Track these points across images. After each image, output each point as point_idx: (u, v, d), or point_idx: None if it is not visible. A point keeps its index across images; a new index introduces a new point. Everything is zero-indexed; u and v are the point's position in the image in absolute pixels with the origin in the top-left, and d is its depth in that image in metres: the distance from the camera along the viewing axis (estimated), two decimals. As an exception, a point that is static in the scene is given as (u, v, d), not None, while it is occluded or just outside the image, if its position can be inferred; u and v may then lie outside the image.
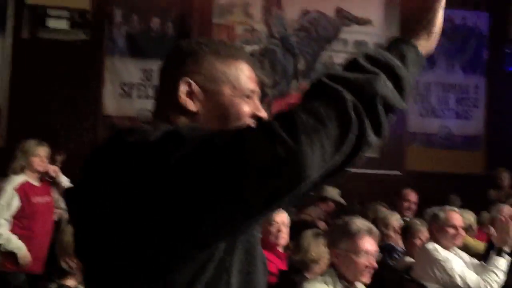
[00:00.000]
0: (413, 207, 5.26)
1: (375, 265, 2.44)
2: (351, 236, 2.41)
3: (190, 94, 1.10)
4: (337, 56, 7.24)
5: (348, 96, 0.87)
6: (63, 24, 6.67)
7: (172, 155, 0.89)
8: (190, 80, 1.10)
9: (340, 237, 2.44)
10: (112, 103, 6.85)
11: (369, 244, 2.41)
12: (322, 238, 2.90)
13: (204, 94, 1.10)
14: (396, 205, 5.22)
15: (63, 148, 5.64)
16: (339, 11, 7.20)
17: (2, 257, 3.89)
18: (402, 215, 4.80)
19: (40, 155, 4.00)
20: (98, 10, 6.72)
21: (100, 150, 1.04)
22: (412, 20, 1.01)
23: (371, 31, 7.27)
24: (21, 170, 3.98)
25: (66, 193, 1.09)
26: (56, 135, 6.61)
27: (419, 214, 4.89)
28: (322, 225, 4.70)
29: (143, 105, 6.73)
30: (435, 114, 7.39)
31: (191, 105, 1.10)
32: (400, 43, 0.99)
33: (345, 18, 7.22)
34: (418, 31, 1.01)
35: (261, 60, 7.09)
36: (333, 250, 2.47)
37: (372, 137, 0.90)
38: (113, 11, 6.86)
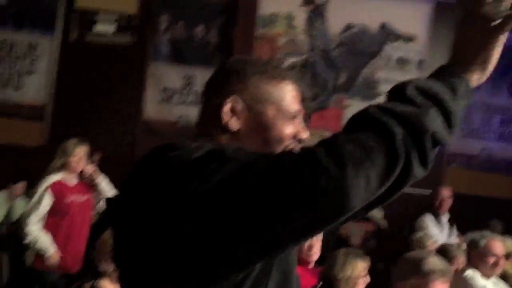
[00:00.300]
0: (449, 202, 5.36)
1: None
2: (422, 275, 2.29)
3: (234, 112, 1.10)
4: (379, 72, 7.17)
5: (398, 130, 0.85)
6: (110, 28, 6.83)
7: (214, 176, 0.88)
8: (235, 99, 1.10)
9: (410, 274, 2.33)
10: (153, 107, 6.94)
11: (440, 287, 2.30)
12: (357, 259, 2.85)
13: (248, 113, 1.10)
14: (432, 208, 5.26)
15: (102, 149, 5.73)
16: (384, 26, 7.14)
17: (36, 256, 3.95)
18: (438, 213, 5.13)
19: (78, 155, 4.05)
20: (144, 15, 6.84)
21: (144, 161, 1.05)
22: (468, 52, 0.96)
23: (415, 48, 7.17)
24: (59, 169, 4.05)
25: (108, 201, 1.10)
26: (96, 136, 6.75)
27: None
28: (355, 241, 4.66)
29: (183, 111, 6.80)
30: (477, 136, 7.24)
31: (234, 124, 1.10)
32: (451, 74, 0.95)
33: (389, 33, 7.16)
34: (473, 66, 0.96)
35: (302, 72, 7.08)
36: (400, 284, 2.37)
37: (418, 171, 0.88)
38: (159, 16, 6.97)
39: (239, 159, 0.89)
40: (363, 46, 7.17)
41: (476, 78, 0.98)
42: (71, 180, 4.07)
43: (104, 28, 6.80)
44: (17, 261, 4.57)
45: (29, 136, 6.59)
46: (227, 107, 1.10)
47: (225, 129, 1.10)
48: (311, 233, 0.88)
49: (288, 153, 0.90)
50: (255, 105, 1.10)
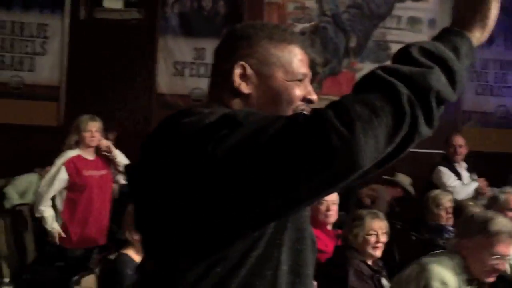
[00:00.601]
0: (462, 150, 5.30)
1: (504, 268, 2.37)
2: (489, 235, 2.30)
3: (244, 77, 1.14)
4: (390, 33, 7.10)
5: (403, 90, 0.88)
6: (118, 4, 6.83)
7: (228, 140, 0.92)
8: (245, 64, 1.13)
9: (477, 232, 2.34)
10: (166, 81, 6.98)
11: (506, 248, 2.31)
12: (369, 216, 2.91)
13: (257, 77, 1.14)
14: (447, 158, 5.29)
15: (118, 125, 5.80)
16: (393, -14, 7.05)
17: (59, 234, 4.01)
18: (454, 161, 5.12)
19: (91, 130, 4.08)
20: (151, -11, 6.83)
21: (159, 128, 1.08)
22: (466, 11, 0.99)
23: (426, 7, 7.08)
24: (75, 145, 4.09)
25: (126, 169, 1.15)
26: (111, 113, 6.81)
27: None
28: (381, 205, 4.71)
29: (195, 84, 6.82)
30: (492, 93, 7.17)
31: (245, 88, 1.14)
32: (453, 34, 0.98)
33: (399, -6, 7.07)
34: (472, 23, 0.99)
35: (312, 38, 7.04)
36: (464, 241, 2.37)
37: (424, 129, 0.91)
38: (166, -10, 6.95)
39: (252, 122, 0.93)
40: (373, 7, 7.09)
41: (478, 36, 1.00)
42: (87, 155, 4.11)
43: (112, 3, 6.80)
44: (41, 239, 4.70)
45: (45, 117, 6.68)
46: (237, 72, 1.14)
47: (236, 93, 1.14)
48: (324, 191, 0.91)
49: (298, 115, 0.93)
50: (264, 69, 1.14)
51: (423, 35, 7.08)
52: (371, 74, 0.92)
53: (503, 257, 2.30)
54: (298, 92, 1.15)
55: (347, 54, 7.10)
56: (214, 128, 0.94)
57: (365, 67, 7.08)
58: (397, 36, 7.10)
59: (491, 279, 2.34)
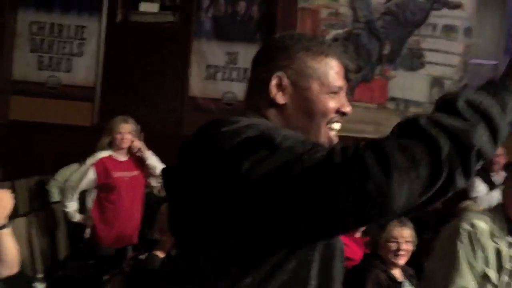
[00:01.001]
0: (500, 160, 5.20)
1: None
2: None
3: (280, 87, 1.16)
4: (424, 41, 7.04)
5: (445, 146, 0.87)
6: (154, 7, 6.94)
7: (263, 165, 0.93)
8: (282, 74, 1.16)
9: None
10: (198, 85, 7.04)
11: None
12: (395, 224, 2.88)
13: (293, 88, 1.16)
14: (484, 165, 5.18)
15: (149, 128, 5.87)
16: (429, -6, 6.99)
17: (92, 232, 4.09)
18: (490, 171, 5.09)
19: (123, 131, 4.13)
20: (187, -7, 6.92)
21: (198, 135, 1.10)
22: None
23: (461, 15, 6.99)
24: (108, 146, 4.15)
25: (163, 172, 1.18)
26: (144, 115, 6.91)
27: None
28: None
29: (227, 88, 6.88)
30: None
31: (281, 98, 1.16)
32: (503, 88, 0.95)
33: (435, 1, 6.99)
34: None
35: (345, 45, 7.02)
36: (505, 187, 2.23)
37: (460, 183, 0.90)
38: (201, -6, 7.03)
39: (288, 148, 0.94)
40: (408, 14, 7.04)
41: None
42: (120, 156, 4.16)
43: (148, 7, 6.91)
44: (74, 236, 4.79)
45: (81, 116, 6.82)
46: (274, 82, 1.16)
47: (272, 103, 1.16)
48: (353, 229, 0.94)
49: (336, 152, 0.92)
50: (300, 81, 1.16)
51: (458, 43, 7.00)
52: (415, 121, 0.90)
53: None
54: (332, 104, 1.17)
55: (380, 61, 7.06)
56: (251, 147, 0.95)
57: (398, 75, 7.04)
58: (431, 44, 7.04)
59: None
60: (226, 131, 1.01)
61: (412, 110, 6.96)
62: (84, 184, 4.05)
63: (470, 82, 6.92)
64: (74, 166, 5.67)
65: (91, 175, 4.04)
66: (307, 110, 1.15)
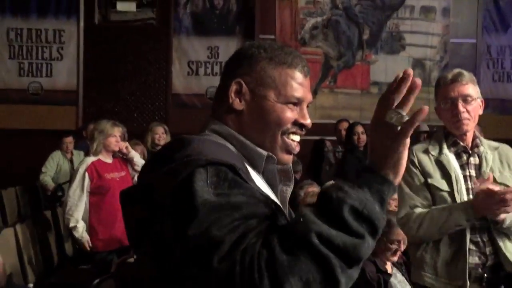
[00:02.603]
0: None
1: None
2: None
3: (239, 94, 1.17)
4: (403, 23, 7.07)
5: (336, 263, 0.91)
6: (131, 7, 6.91)
7: (179, 231, 0.95)
8: (241, 81, 1.17)
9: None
10: (181, 81, 7.05)
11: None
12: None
13: (251, 95, 1.17)
14: None
15: (134, 126, 5.88)
16: (405, -24, 7.01)
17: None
18: None
19: (115, 135, 4.15)
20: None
21: (160, 153, 1.12)
22: (382, 157, 1.00)
23: (439, -5, 7.04)
24: (99, 151, 4.16)
25: (121, 194, 1.17)
26: (129, 114, 6.91)
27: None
28: None
29: (210, 82, 6.88)
30: (509, 79, 7.10)
31: (238, 105, 1.17)
32: (379, 182, 0.98)
33: (412, -17, 7.03)
34: (387, 169, 0.99)
35: (325, 32, 7.04)
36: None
37: (345, 280, 0.94)
38: (177, -10, 7.01)
39: (204, 219, 0.94)
40: (385, -2, 7.06)
41: (392, 178, 1.00)
42: (106, 159, 4.18)
43: (125, 6, 6.88)
44: (63, 242, 4.80)
45: (65, 121, 6.80)
46: (233, 88, 1.17)
47: (230, 109, 1.17)
48: None
49: (241, 252, 0.92)
50: (258, 89, 1.17)
51: (437, 24, 7.03)
52: (307, 240, 0.91)
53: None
54: (289, 115, 1.16)
55: (360, 46, 7.08)
56: (176, 202, 0.97)
57: (379, 59, 7.07)
58: (410, 26, 7.07)
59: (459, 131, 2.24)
60: (170, 170, 1.01)
61: (395, 93, 6.99)
62: (85, 192, 4.06)
63: (451, 62, 6.97)
64: (55, 155, 5.81)
65: (87, 181, 4.06)
66: (262, 118, 1.16)
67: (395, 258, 2.89)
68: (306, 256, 0.92)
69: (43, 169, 5.75)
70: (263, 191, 1.04)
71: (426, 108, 0.92)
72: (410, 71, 0.95)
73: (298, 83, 1.18)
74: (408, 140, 0.98)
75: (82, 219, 4.05)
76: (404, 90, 0.96)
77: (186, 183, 0.97)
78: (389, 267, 2.92)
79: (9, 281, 2.79)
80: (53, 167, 5.81)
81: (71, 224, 4.01)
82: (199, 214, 0.94)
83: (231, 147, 1.14)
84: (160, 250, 1.01)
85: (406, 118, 0.95)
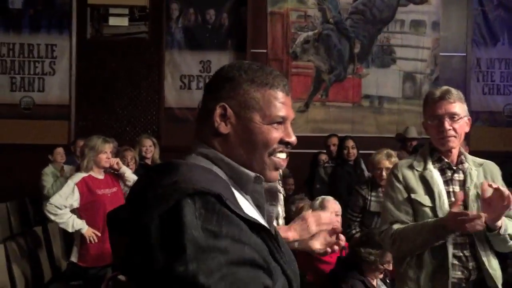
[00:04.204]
0: None
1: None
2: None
3: (224, 117, 1.18)
4: (394, 37, 7.12)
5: None
6: (124, 21, 6.93)
7: (167, 265, 0.97)
8: (225, 105, 1.18)
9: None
10: (173, 95, 7.06)
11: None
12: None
13: (236, 119, 1.18)
14: None
15: (127, 141, 5.87)
16: (394, -10, 7.08)
17: (78, 254, 4.06)
18: None
19: (106, 152, 4.15)
20: (155, 5, 6.92)
21: (150, 175, 1.13)
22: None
23: (428, 9, 7.10)
24: (90, 167, 4.15)
25: (108, 217, 1.17)
26: (121, 128, 6.91)
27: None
28: None
29: (202, 96, 6.88)
30: (498, 92, 7.16)
31: (224, 128, 1.18)
32: None
33: (401, -3, 7.10)
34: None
35: (316, 46, 7.08)
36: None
37: None
38: (170, 5, 7.04)
39: (192, 264, 0.95)
40: (376, 12, 7.12)
41: None
42: (98, 175, 4.17)
43: (118, 21, 6.90)
44: (54, 257, 4.77)
45: (57, 135, 6.79)
46: (217, 112, 1.18)
47: (216, 132, 1.18)
48: None
49: None
50: (243, 111, 1.18)
51: (427, 38, 7.10)
52: None
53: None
54: (275, 135, 1.18)
55: (351, 60, 7.13)
56: (164, 233, 0.98)
57: (370, 72, 7.12)
58: (401, 40, 7.13)
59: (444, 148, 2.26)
60: (157, 195, 1.03)
61: (386, 106, 7.05)
62: (70, 201, 4.02)
63: (441, 75, 7.03)
64: (48, 169, 5.80)
65: (76, 194, 4.04)
66: (249, 140, 1.17)
67: (381, 275, 2.95)
68: None
69: (44, 191, 5.61)
70: (250, 217, 1.05)
71: None
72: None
73: (281, 103, 1.20)
74: None
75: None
76: None
77: (174, 215, 0.98)
78: (375, 282, 2.96)
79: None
80: (51, 180, 5.77)
81: (58, 220, 3.97)
82: (187, 251, 0.95)
83: (219, 170, 1.16)
84: (144, 277, 1.01)
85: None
